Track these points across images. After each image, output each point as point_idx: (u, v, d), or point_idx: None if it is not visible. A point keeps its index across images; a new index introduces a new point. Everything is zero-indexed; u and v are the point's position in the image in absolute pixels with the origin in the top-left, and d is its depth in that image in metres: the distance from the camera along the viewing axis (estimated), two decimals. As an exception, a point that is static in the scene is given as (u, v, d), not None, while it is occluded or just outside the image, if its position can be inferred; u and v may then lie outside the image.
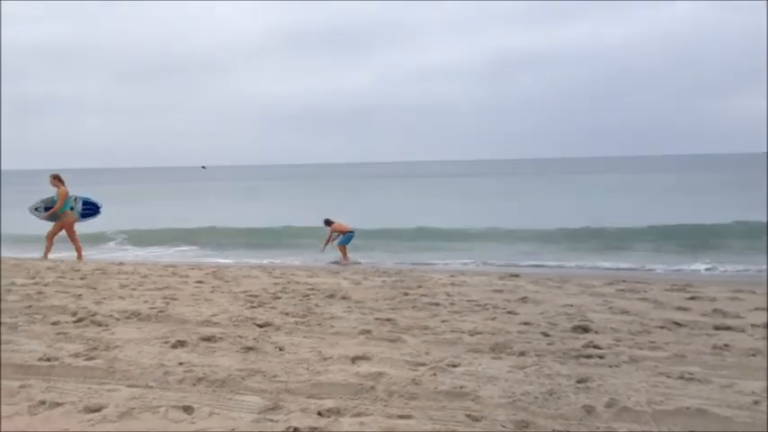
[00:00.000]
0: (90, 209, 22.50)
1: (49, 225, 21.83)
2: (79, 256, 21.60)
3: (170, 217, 37.27)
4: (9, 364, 7.61)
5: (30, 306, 11.00)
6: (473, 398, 6.30)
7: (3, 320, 9.87)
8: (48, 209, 21.64)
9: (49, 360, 7.70)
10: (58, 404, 6.25)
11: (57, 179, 21.38)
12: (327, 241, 22.33)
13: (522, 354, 7.97)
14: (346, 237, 21.33)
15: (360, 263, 21.22)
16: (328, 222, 21.77)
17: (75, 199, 22.03)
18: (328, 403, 6.16)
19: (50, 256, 21.51)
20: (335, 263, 20.76)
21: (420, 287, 13.55)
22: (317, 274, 16.17)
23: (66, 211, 21.47)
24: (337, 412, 5.94)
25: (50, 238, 21.68)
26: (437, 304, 11.45)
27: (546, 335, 9.04)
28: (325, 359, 7.66)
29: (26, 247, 25.58)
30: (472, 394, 6.37)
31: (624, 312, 10.71)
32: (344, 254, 21.17)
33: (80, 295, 12.20)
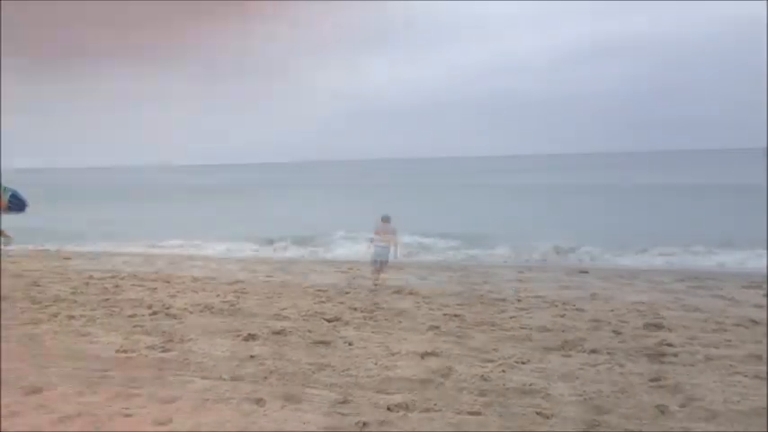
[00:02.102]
0: (16, 204, 22.36)
1: None
2: None
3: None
4: (89, 355, 7.87)
5: (107, 299, 11.34)
6: (543, 395, 6.25)
7: (82, 313, 10.22)
8: None
9: (125, 352, 7.94)
10: (136, 395, 6.44)
11: None
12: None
13: (592, 351, 7.86)
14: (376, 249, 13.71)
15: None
16: (386, 219, 14.92)
17: (5, 189, 22.02)
18: (397, 398, 6.20)
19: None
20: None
21: (486, 283, 13.48)
22: (383, 269, 16.19)
23: None
24: (406, 407, 5.96)
25: None
26: (504, 300, 11.40)
27: (617, 332, 8.89)
28: (394, 354, 7.70)
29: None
30: (542, 392, 6.32)
31: (697, 310, 10.46)
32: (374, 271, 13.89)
33: (155, 288, 12.52)
